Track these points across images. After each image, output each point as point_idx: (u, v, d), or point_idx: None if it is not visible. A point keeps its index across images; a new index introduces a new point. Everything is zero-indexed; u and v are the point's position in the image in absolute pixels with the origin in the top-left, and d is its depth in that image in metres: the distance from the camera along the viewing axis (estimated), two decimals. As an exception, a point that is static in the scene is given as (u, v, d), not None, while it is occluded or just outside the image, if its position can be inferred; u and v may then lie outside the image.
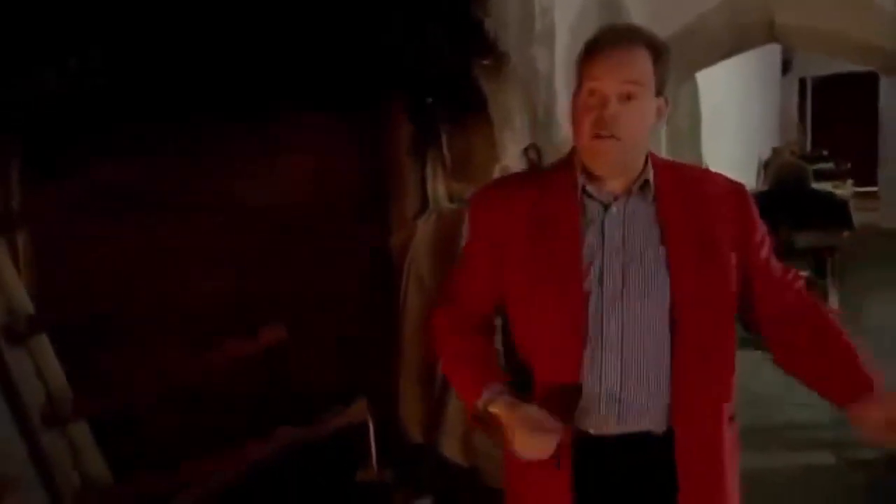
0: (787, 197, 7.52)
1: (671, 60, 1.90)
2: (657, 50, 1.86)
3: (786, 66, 13.01)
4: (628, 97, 1.80)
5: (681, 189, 1.91)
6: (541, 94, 3.46)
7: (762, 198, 7.76)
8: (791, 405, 5.91)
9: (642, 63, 1.82)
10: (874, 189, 11.04)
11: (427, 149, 3.37)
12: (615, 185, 1.87)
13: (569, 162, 1.91)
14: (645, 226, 1.88)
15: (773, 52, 11.05)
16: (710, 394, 1.86)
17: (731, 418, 1.91)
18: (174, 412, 2.92)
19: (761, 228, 1.97)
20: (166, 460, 2.62)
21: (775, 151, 9.99)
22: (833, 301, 6.09)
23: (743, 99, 9.99)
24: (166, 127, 3.27)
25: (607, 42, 1.84)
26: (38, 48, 2.91)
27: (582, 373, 1.85)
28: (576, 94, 1.84)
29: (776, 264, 1.99)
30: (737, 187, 2.00)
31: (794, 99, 13.96)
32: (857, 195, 9.36)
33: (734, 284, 1.90)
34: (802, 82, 13.97)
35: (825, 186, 7.39)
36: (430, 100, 3.20)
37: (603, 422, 1.85)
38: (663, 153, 5.48)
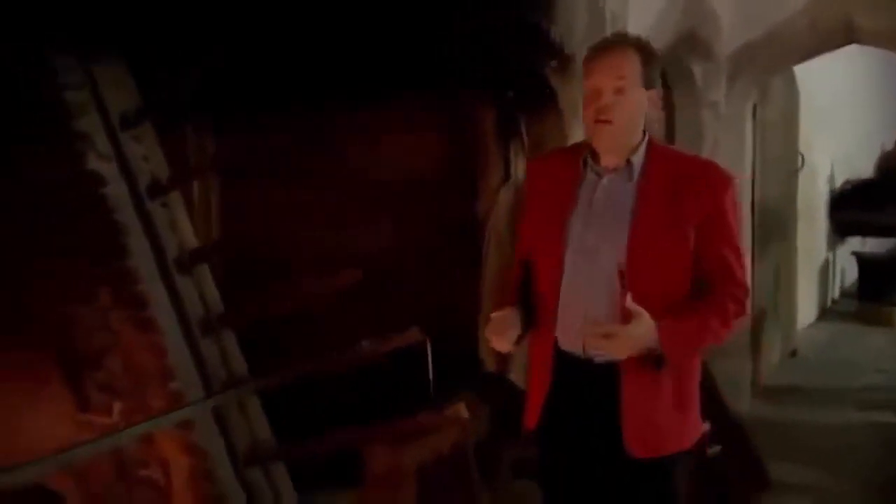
0: (889, 185, 7.45)
1: (664, 60, 2.22)
2: (644, 52, 2.13)
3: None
4: (619, 90, 2.07)
5: (667, 171, 2.13)
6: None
7: (865, 186, 7.72)
8: (872, 371, 6.01)
9: (630, 63, 2.09)
10: None
11: (509, 133, 3.70)
12: (610, 161, 2.14)
13: (586, 142, 2.19)
14: (623, 196, 2.12)
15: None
16: None
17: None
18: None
19: (725, 220, 2.11)
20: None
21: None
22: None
23: (860, 90, 9.64)
24: (303, 111, 3.69)
25: (601, 48, 2.15)
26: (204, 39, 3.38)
27: (558, 305, 2.14)
28: (584, 90, 2.13)
29: (720, 252, 2.11)
30: (719, 178, 2.17)
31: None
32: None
33: (686, 252, 2.08)
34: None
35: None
36: (510, 93, 3.58)
37: (573, 345, 2.14)
38: (748, 144, 5.59)
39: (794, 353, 6.58)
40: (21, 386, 3.18)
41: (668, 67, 4.91)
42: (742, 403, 5.19)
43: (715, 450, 3.77)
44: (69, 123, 3.00)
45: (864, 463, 4.43)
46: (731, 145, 5.26)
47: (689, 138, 5.13)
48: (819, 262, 8.08)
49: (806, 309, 7.35)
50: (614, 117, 2.07)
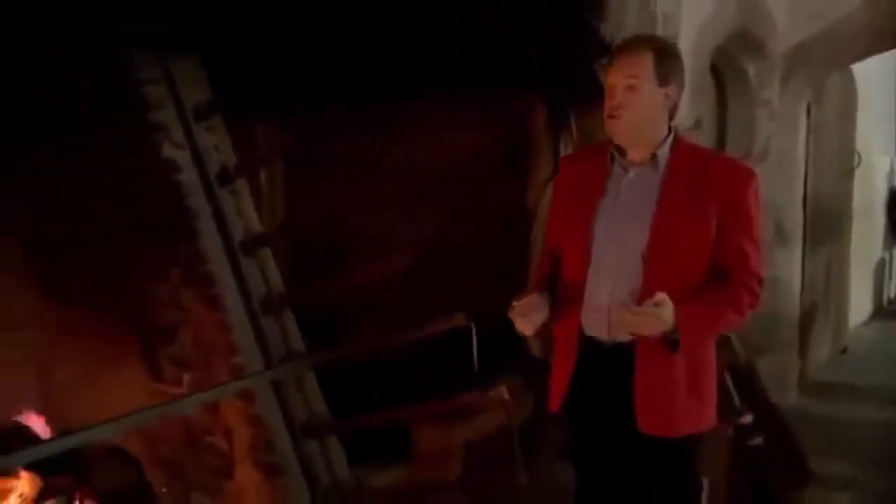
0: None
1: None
2: (659, 51, 2.18)
3: None
4: (630, 88, 2.13)
5: (691, 166, 2.20)
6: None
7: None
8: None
9: (643, 62, 2.14)
10: None
11: (559, 128, 3.74)
12: (635, 155, 2.21)
13: (610, 139, 2.24)
14: (648, 188, 2.19)
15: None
16: None
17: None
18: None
19: (746, 213, 2.17)
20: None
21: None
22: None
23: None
24: (365, 105, 3.79)
25: (618, 49, 2.26)
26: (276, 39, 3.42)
27: (585, 290, 2.19)
28: None
29: (738, 244, 2.17)
30: (741, 173, 2.24)
31: None
32: None
33: (706, 242, 2.15)
34: None
35: None
36: (561, 90, 3.64)
37: (597, 329, 2.19)
38: (801, 142, 5.51)
39: (844, 351, 6.48)
40: (103, 357, 3.41)
41: (721, 65, 4.89)
42: (788, 398, 5.15)
43: (756, 441, 3.79)
44: (147, 115, 3.20)
45: (908, 461, 4.37)
46: (783, 144, 5.19)
47: (740, 136, 5.07)
48: (874, 262, 7.93)
49: (859, 307, 7.22)
50: (623, 113, 2.14)
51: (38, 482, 2.74)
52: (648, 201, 2.19)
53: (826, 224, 5.93)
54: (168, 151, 3.22)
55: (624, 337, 2.17)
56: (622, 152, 2.24)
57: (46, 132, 3.19)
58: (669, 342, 2.08)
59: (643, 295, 2.12)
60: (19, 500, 2.67)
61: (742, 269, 2.19)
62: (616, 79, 2.16)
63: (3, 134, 3.13)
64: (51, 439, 2.74)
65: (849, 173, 6.44)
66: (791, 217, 5.34)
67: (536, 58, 3.49)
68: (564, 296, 2.28)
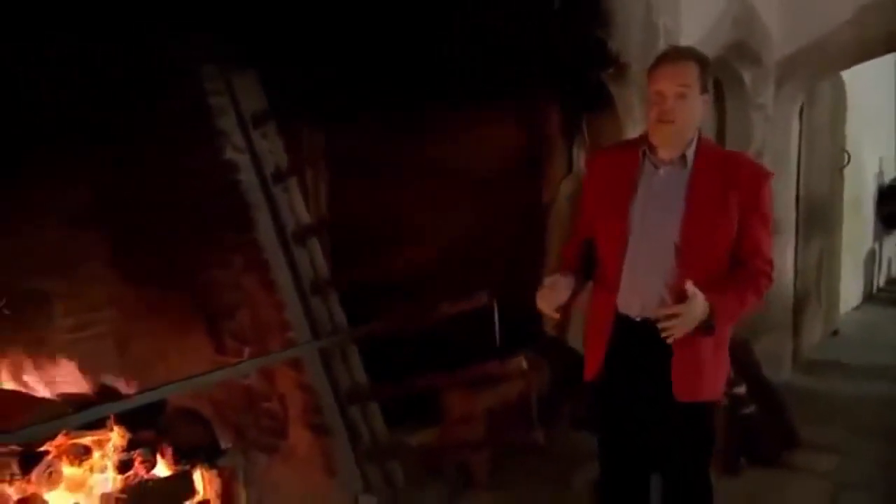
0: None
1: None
2: (701, 63, 2.27)
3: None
4: (681, 95, 2.21)
5: (714, 165, 2.28)
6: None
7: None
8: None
9: (690, 72, 2.22)
10: None
11: (572, 131, 3.90)
12: (665, 154, 2.29)
13: (643, 137, 2.36)
14: (678, 185, 2.27)
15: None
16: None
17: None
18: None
19: (763, 208, 2.28)
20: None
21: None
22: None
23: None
24: (400, 111, 3.94)
25: (666, 59, 2.30)
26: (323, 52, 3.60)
27: (621, 275, 2.31)
28: (649, 94, 2.28)
29: (757, 235, 2.28)
30: (759, 173, 2.35)
31: None
32: None
33: (731, 233, 2.25)
34: None
35: None
36: (573, 98, 3.81)
37: (631, 309, 2.32)
38: (793, 143, 5.59)
39: (836, 333, 6.58)
40: (174, 333, 3.52)
41: (720, 73, 4.97)
42: (783, 374, 5.27)
43: (749, 410, 3.95)
44: (212, 122, 3.31)
45: (892, 427, 4.47)
46: (777, 144, 5.28)
47: (738, 137, 5.14)
48: (865, 252, 7.99)
49: (850, 294, 7.29)
50: (676, 118, 2.22)
51: (127, 435, 2.87)
52: (679, 196, 2.26)
53: (818, 218, 6.01)
54: (230, 154, 3.30)
55: (650, 314, 2.25)
56: (653, 151, 2.31)
57: (128, 135, 3.31)
58: (705, 326, 2.18)
59: (676, 280, 2.21)
60: (113, 450, 2.85)
61: (759, 257, 2.28)
62: (666, 86, 2.21)
63: (95, 137, 3.27)
64: (134, 394, 2.93)
65: (839, 171, 6.53)
66: (785, 211, 5.44)
67: (552, 70, 3.66)
68: (601, 278, 2.37)
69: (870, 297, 8.08)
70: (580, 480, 3.33)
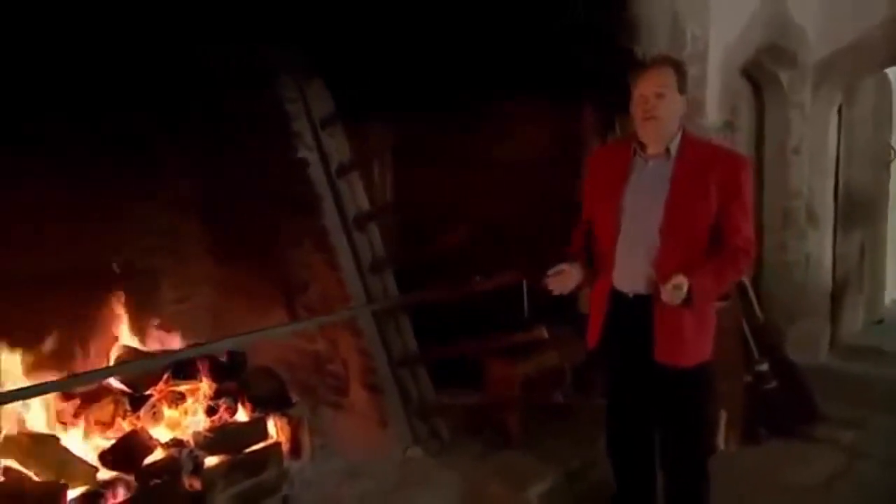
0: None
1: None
2: (678, 67, 2.42)
3: None
4: (660, 95, 2.36)
5: (695, 156, 2.41)
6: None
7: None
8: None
9: (667, 75, 2.37)
10: None
11: (605, 126, 3.92)
12: (653, 149, 2.44)
13: (633, 135, 2.51)
14: (663, 174, 2.41)
15: None
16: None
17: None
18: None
19: (742, 192, 2.37)
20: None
21: None
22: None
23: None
24: (453, 108, 4.04)
25: (646, 66, 2.46)
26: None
27: (614, 255, 2.46)
28: (632, 97, 2.44)
29: (737, 216, 2.37)
30: (737, 160, 2.45)
31: None
32: None
33: (709, 216, 2.36)
34: None
35: None
36: (606, 98, 3.85)
37: (624, 285, 2.47)
38: (832, 140, 5.40)
39: (880, 322, 6.39)
40: (256, 305, 3.77)
41: (756, 73, 4.97)
42: (819, 357, 5.21)
43: (771, 385, 3.97)
44: (288, 125, 3.54)
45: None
46: (815, 141, 5.21)
47: (776, 134, 5.12)
48: (914, 245, 7.65)
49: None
50: (658, 114, 2.36)
51: (214, 386, 3.17)
52: (663, 184, 2.39)
53: (859, 210, 5.89)
54: (302, 152, 3.48)
55: (645, 290, 2.41)
56: (643, 147, 2.45)
57: (226, 136, 3.56)
58: (683, 301, 2.31)
59: (660, 259, 2.34)
60: (203, 397, 3.14)
61: (738, 236, 2.38)
62: (647, 89, 2.36)
63: (196, 138, 3.56)
64: (214, 341, 3.17)
65: (886, 166, 6.33)
66: (822, 204, 5.38)
67: (588, 73, 3.71)
68: (599, 259, 2.52)
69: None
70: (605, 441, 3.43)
